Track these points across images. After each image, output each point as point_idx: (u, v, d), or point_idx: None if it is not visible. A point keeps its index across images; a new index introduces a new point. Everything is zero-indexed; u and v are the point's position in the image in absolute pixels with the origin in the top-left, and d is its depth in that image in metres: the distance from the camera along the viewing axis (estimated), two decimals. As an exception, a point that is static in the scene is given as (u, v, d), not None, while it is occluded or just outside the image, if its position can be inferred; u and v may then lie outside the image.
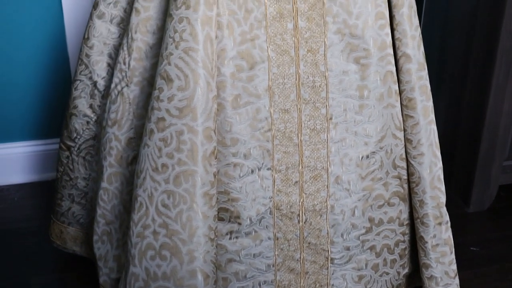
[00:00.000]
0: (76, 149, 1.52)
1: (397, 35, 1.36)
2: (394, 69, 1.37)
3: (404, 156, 1.43)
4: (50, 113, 2.07)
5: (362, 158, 1.39)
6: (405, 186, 1.45)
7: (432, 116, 1.42)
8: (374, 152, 1.40)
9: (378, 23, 1.33)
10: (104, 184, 1.40)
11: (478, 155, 1.91)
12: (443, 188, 1.45)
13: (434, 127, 1.43)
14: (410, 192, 1.46)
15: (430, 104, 1.42)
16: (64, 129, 1.53)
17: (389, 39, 1.35)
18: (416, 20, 1.38)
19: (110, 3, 1.39)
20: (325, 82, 1.33)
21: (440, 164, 1.45)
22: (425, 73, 1.40)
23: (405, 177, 1.45)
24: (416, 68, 1.38)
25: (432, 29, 2.10)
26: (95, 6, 1.40)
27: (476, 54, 1.87)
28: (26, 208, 1.98)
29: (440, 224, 1.45)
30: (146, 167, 1.27)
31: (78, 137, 1.50)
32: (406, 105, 1.40)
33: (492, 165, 1.94)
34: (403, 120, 1.41)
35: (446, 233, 1.47)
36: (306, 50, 1.31)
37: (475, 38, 1.86)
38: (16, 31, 1.95)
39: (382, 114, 1.38)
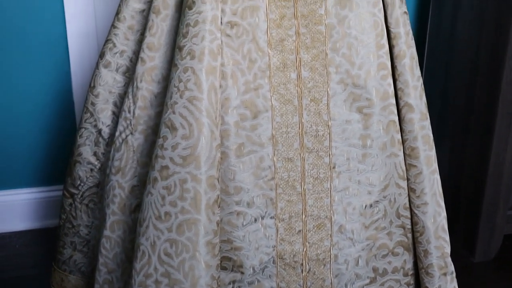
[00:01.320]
0: (79, 196, 1.52)
1: (399, 85, 1.38)
2: (396, 118, 1.38)
3: (407, 205, 1.43)
4: (54, 160, 2.07)
5: (365, 207, 1.39)
6: (409, 235, 1.44)
7: (435, 166, 1.42)
8: (377, 201, 1.40)
9: (380, 74, 1.34)
10: (106, 232, 1.39)
11: (482, 204, 1.91)
12: (447, 238, 1.44)
13: (437, 176, 1.43)
14: (414, 242, 1.45)
15: (433, 153, 1.42)
16: (67, 177, 1.53)
17: (391, 89, 1.36)
18: (417, 71, 1.40)
19: (116, 53, 1.42)
20: (328, 131, 1.34)
21: (444, 213, 1.44)
22: (427, 122, 1.41)
23: (409, 227, 1.44)
24: (419, 118, 1.39)
25: (434, 80, 2.12)
26: (101, 55, 1.43)
27: (477, 105, 1.88)
28: (28, 255, 1.97)
29: (445, 274, 1.44)
30: (149, 215, 1.27)
31: (82, 184, 1.51)
32: (409, 155, 1.40)
33: (496, 215, 1.93)
34: (406, 170, 1.41)
35: (452, 284, 1.45)
36: (309, 99, 1.33)
37: (476, 88, 1.88)
38: (22, 78, 1.97)
39: (385, 163, 1.39)
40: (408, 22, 1.38)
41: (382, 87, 1.35)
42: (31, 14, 1.92)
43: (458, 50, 1.96)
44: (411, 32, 1.39)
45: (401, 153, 1.40)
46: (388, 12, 1.35)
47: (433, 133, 1.43)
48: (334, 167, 1.35)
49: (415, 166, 1.40)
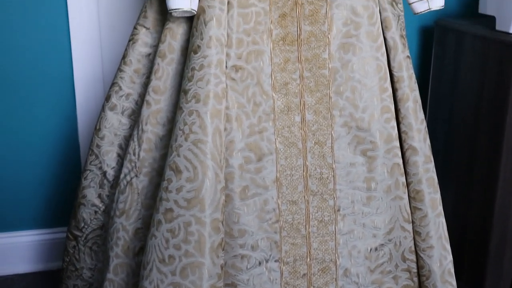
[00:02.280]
0: (83, 239, 1.51)
1: (403, 128, 1.38)
2: (401, 161, 1.38)
3: (413, 248, 1.42)
4: (58, 202, 2.07)
5: (370, 251, 1.38)
6: (415, 279, 1.43)
7: (440, 209, 1.42)
8: (382, 244, 1.39)
9: (384, 117, 1.35)
10: (110, 275, 1.38)
11: (488, 247, 1.89)
12: (454, 282, 1.43)
13: (442, 219, 1.42)
14: (421, 286, 1.43)
15: (438, 196, 1.42)
16: (71, 219, 1.53)
17: (395, 132, 1.37)
18: (421, 114, 1.41)
19: (122, 96, 1.43)
20: (332, 174, 1.34)
21: (450, 257, 1.43)
22: (431, 165, 1.41)
23: (415, 270, 1.42)
24: (423, 161, 1.39)
25: (437, 122, 2.13)
26: (107, 98, 1.44)
27: (481, 148, 1.88)
28: (30, 298, 1.95)
29: (452, 319, 1.42)
30: (153, 258, 1.26)
31: (86, 226, 1.50)
32: (413, 197, 1.40)
33: (503, 258, 1.91)
34: (411, 212, 1.41)
35: (459, 329, 1.43)
36: (313, 142, 1.33)
37: (479, 132, 1.88)
38: (29, 119, 1.99)
39: (390, 206, 1.38)
40: (411, 66, 1.40)
41: (386, 130, 1.36)
42: (38, 57, 1.95)
43: (461, 93, 1.98)
44: (414, 75, 1.40)
45: (406, 196, 1.40)
46: (391, 56, 1.36)
47: (437, 176, 1.43)
48: (338, 210, 1.35)
49: (420, 209, 1.40)
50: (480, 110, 1.88)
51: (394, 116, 1.37)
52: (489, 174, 1.86)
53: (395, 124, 1.37)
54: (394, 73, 1.37)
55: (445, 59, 2.06)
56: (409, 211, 1.40)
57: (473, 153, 1.92)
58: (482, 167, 1.89)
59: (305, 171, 1.33)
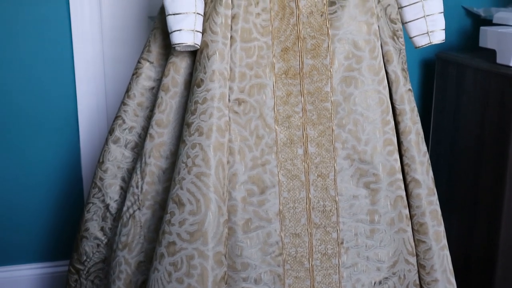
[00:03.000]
0: (85, 272, 1.50)
1: (405, 160, 1.38)
2: (404, 194, 1.38)
3: (417, 282, 1.41)
4: (60, 236, 2.06)
5: (374, 284, 1.37)
6: (420, 313, 1.41)
7: (444, 242, 1.41)
8: (387, 277, 1.38)
9: (387, 149, 1.35)
10: (111, 310, 1.37)
11: (494, 281, 1.87)
12: (459, 316, 1.41)
13: (447, 252, 1.41)
14: (426, 320, 1.41)
15: (442, 229, 1.41)
16: (74, 252, 1.52)
17: (398, 165, 1.37)
18: (423, 146, 1.41)
19: (125, 129, 1.44)
20: (335, 206, 1.34)
21: (455, 291, 1.41)
22: (435, 198, 1.41)
23: (420, 304, 1.41)
24: (426, 193, 1.39)
25: (440, 155, 2.13)
26: (111, 131, 1.45)
27: (485, 180, 1.88)
28: (30, 333, 1.93)
29: None
30: (155, 292, 1.25)
31: (88, 260, 1.49)
32: (417, 230, 1.39)
33: (509, 291, 1.89)
34: (415, 245, 1.40)
35: None
36: (316, 175, 1.33)
37: (482, 164, 1.88)
38: (32, 152, 1.99)
39: (393, 239, 1.38)
40: (412, 99, 1.40)
41: (389, 162, 1.36)
42: (43, 89, 1.96)
43: (463, 125, 1.98)
44: (416, 108, 1.41)
45: (410, 229, 1.39)
46: (393, 89, 1.37)
47: (441, 208, 1.43)
48: (342, 243, 1.34)
49: (424, 241, 1.39)
50: (482, 142, 1.88)
51: (397, 148, 1.37)
52: (493, 206, 1.85)
53: (397, 156, 1.37)
54: (396, 106, 1.38)
55: (447, 91, 2.07)
56: (413, 244, 1.39)
57: (477, 185, 1.92)
58: (485, 199, 1.89)
59: (308, 203, 1.33)
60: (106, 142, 1.46)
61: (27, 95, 1.95)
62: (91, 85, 1.98)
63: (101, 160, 1.47)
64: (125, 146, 1.45)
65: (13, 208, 2.02)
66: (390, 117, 1.36)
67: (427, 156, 1.42)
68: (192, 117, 1.27)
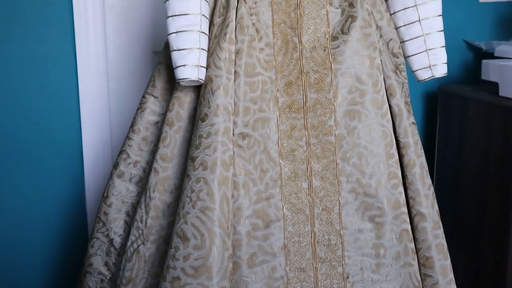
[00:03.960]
0: (88, 308, 1.49)
1: (410, 194, 1.38)
2: (409, 227, 1.37)
3: (424, 316, 1.39)
4: (64, 271, 2.05)
5: (381, 319, 1.35)
6: None
7: (451, 276, 1.40)
8: (393, 312, 1.36)
9: (391, 183, 1.35)
10: None
11: (501, 315, 1.85)
12: None
13: (454, 286, 1.40)
14: None
15: (448, 263, 1.40)
16: (78, 287, 1.51)
17: (402, 198, 1.36)
18: (428, 179, 1.41)
19: (130, 163, 1.44)
20: (340, 240, 1.33)
21: (462, 326, 1.40)
22: (440, 231, 1.40)
23: None
24: (432, 227, 1.38)
25: (445, 188, 2.13)
26: (115, 166, 1.45)
27: (490, 213, 1.87)
28: None
29: None
30: (159, 328, 1.24)
31: (92, 295, 1.48)
32: (423, 264, 1.38)
33: (517, 326, 1.86)
34: (422, 279, 1.39)
35: None
36: (321, 208, 1.33)
37: (488, 196, 1.88)
38: (36, 188, 2.00)
39: (399, 273, 1.36)
40: (416, 132, 1.41)
41: (394, 196, 1.35)
42: (47, 122, 1.97)
43: (467, 159, 1.98)
44: (419, 141, 1.41)
45: (416, 263, 1.38)
46: (396, 123, 1.38)
47: (446, 242, 1.42)
48: (347, 277, 1.33)
49: (430, 276, 1.38)
50: (487, 175, 1.88)
51: (401, 182, 1.37)
52: (499, 239, 1.84)
53: (402, 190, 1.37)
54: (400, 139, 1.38)
55: (450, 124, 2.07)
56: (419, 278, 1.38)
57: (482, 218, 1.91)
58: (491, 233, 1.87)
59: (313, 237, 1.32)
60: (110, 176, 1.47)
61: (31, 127, 1.96)
62: (96, 118, 1.99)
63: (105, 195, 1.47)
64: (130, 180, 1.45)
65: (15, 243, 2.01)
66: (394, 150, 1.36)
67: (432, 189, 1.41)
68: (197, 151, 1.27)
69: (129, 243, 1.38)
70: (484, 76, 1.95)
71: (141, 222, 1.37)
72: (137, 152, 1.44)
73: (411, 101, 1.49)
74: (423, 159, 1.41)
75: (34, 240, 2.02)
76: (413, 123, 1.40)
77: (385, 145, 1.35)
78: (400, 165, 1.38)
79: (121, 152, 1.45)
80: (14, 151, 1.97)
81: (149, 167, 1.42)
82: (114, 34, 2.00)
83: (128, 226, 1.44)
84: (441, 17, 1.42)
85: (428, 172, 1.42)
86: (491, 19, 2.27)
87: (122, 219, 1.46)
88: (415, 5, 1.40)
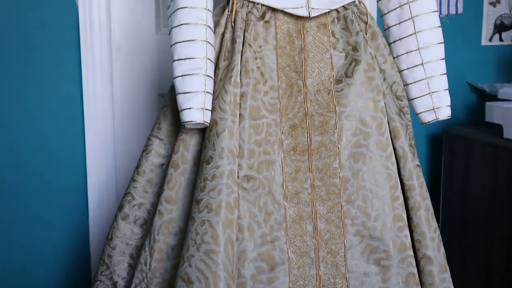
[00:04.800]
0: None
1: (416, 236, 1.37)
2: (415, 270, 1.36)
3: None
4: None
5: None
6: None
7: (458, 320, 1.38)
8: None
9: (397, 225, 1.34)
10: None
11: None
12: None
13: (461, 331, 1.38)
14: None
15: (456, 307, 1.38)
16: (80, 332, 1.50)
17: (408, 241, 1.35)
18: (434, 222, 1.40)
19: (134, 205, 1.44)
20: (346, 284, 1.32)
21: None
22: (447, 275, 1.38)
23: None
24: (438, 270, 1.36)
25: (451, 230, 2.11)
26: (120, 208, 1.45)
27: (497, 256, 1.85)
28: None
29: None
30: None
31: None
32: (430, 308, 1.36)
33: None
34: (429, 324, 1.37)
35: None
36: (326, 251, 1.32)
37: (494, 239, 1.86)
38: (40, 228, 1.99)
39: (406, 318, 1.34)
40: (421, 174, 1.40)
41: (399, 238, 1.34)
42: (52, 164, 1.98)
43: (473, 200, 1.97)
44: (424, 183, 1.41)
45: (422, 307, 1.36)
46: (401, 165, 1.38)
47: (454, 285, 1.40)
48: (353, 322, 1.31)
49: (437, 320, 1.36)
50: (493, 217, 1.86)
51: (407, 224, 1.36)
52: (507, 282, 1.81)
53: (408, 232, 1.36)
54: (405, 182, 1.38)
55: (455, 166, 2.07)
56: (426, 322, 1.36)
57: (489, 261, 1.89)
58: (499, 276, 1.85)
59: (318, 281, 1.31)
60: (115, 218, 1.46)
61: (35, 170, 1.97)
62: (101, 160, 2.00)
63: (109, 237, 1.46)
64: (134, 222, 1.44)
65: (20, 284, 2.00)
66: (399, 192, 1.36)
67: (438, 232, 1.40)
68: (201, 194, 1.27)
69: (132, 286, 1.37)
70: (488, 118, 1.95)
71: (145, 265, 1.36)
72: (142, 194, 1.44)
73: (416, 143, 1.49)
74: (428, 201, 1.40)
75: (38, 282, 2.01)
76: (417, 165, 1.40)
77: (390, 187, 1.35)
78: (406, 208, 1.37)
79: (126, 194, 1.45)
80: (20, 193, 1.97)
81: (153, 209, 1.41)
82: (120, 76, 2.03)
83: (132, 269, 1.43)
84: (443, 60, 1.43)
85: (433, 215, 1.41)
86: (493, 61, 2.30)
87: (126, 262, 1.45)
88: (418, 49, 1.42)
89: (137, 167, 1.45)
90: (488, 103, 1.96)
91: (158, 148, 1.43)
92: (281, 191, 1.31)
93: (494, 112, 1.91)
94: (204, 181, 1.27)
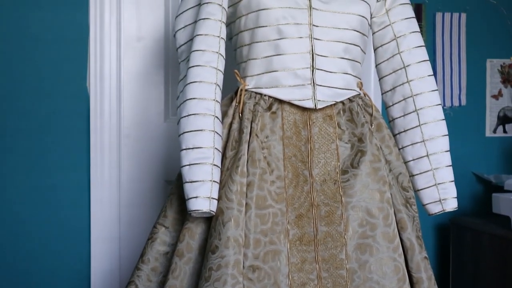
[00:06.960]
0: None
1: None
2: None
3: None
4: None
5: None
6: None
7: None
8: None
9: None
10: None
11: None
12: None
13: None
14: None
15: None
16: None
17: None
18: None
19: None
20: None
21: None
22: None
23: None
24: None
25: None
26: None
27: None
28: None
29: None
30: None
31: None
32: None
33: None
34: None
35: None
36: None
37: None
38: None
39: None
40: (429, 266, 1.38)
41: None
42: (57, 250, 1.97)
43: (483, 293, 1.93)
44: (433, 276, 1.39)
45: None
46: (409, 257, 1.36)
47: None
48: None
49: None
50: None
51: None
52: None
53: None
54: (413, 274, 1.35)
55: (464, 257, 2.04)
56: None
57: None
58: None
59: None
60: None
61: (41, 255, 1.96)
62: (106, 246, 1.98)
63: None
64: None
65: None
66: (407, 285, 1.33)
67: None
68: (206, 284, 1.25)
69: None
70: (495, 210, 1.95)
71: None
72: (145, 283, 1.41)
73: (423, 234, 1.48)
74: (437, 294, 1.37)
75: None
76: (425, 257, 1.38)
77: (398, 280, 1.32)
78: (410, 282, 1.34)
79: (130, 283, 1.43)
80: (23, 279, 1.95)
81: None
82: (128, 162, 2.05)
83: None
84: (448, 152, 1.44)
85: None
86: (498, 152, 2.31)
87: None
88: (423, 141, 1.43)
89: (142, 255, 1.44)
90: (495, 195, 1.95)
91: (163, 236, 1.42)
92: (287, 282, 1.29)
93: (501, 204, 1.90)
94: (209, 271, 1.26)
